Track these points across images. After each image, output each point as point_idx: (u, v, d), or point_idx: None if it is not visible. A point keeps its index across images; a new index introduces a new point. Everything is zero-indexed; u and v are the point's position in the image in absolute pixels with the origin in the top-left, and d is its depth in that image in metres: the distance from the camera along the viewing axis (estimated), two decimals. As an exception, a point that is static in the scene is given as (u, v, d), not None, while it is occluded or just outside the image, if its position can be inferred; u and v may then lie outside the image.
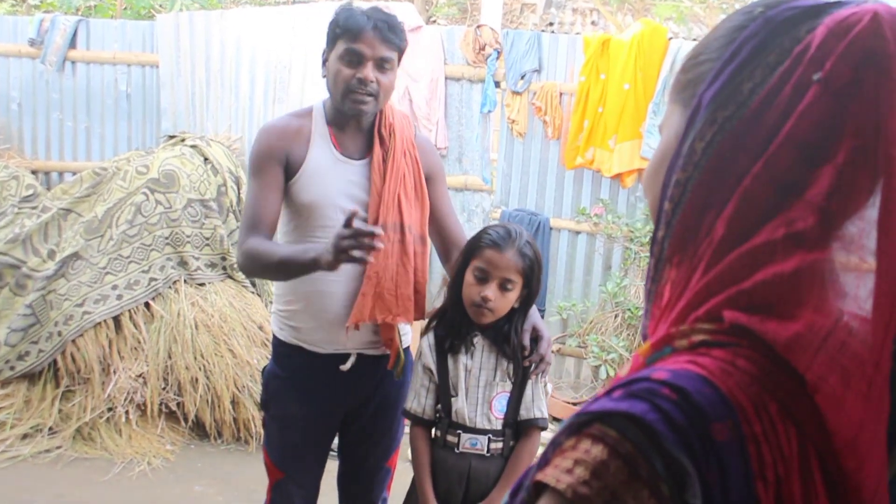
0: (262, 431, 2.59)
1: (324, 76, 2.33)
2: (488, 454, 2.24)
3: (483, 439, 2.24)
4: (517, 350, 2.24)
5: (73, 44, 5.58)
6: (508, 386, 2.26)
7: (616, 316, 5.12)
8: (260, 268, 2.27)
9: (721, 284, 0.70)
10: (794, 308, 0.67)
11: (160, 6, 7.33)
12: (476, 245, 2.22)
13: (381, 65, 2.24)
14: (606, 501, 0.63)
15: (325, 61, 2.32)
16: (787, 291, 0.67)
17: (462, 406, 2.23)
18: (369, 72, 2.22)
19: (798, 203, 0.68)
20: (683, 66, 0.81)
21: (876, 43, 0.67)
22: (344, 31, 2.22)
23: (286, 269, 2.20)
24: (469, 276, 2.22)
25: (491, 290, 2.17)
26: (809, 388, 0.65)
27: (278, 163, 2.30)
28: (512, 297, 2.21)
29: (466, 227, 4.96)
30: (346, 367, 2.37)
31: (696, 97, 0.75)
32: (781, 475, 0.64)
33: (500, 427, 2.25)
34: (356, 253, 1.92)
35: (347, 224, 1.92)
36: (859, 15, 0.68)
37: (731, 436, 0.64)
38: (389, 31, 2.23)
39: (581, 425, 0.67)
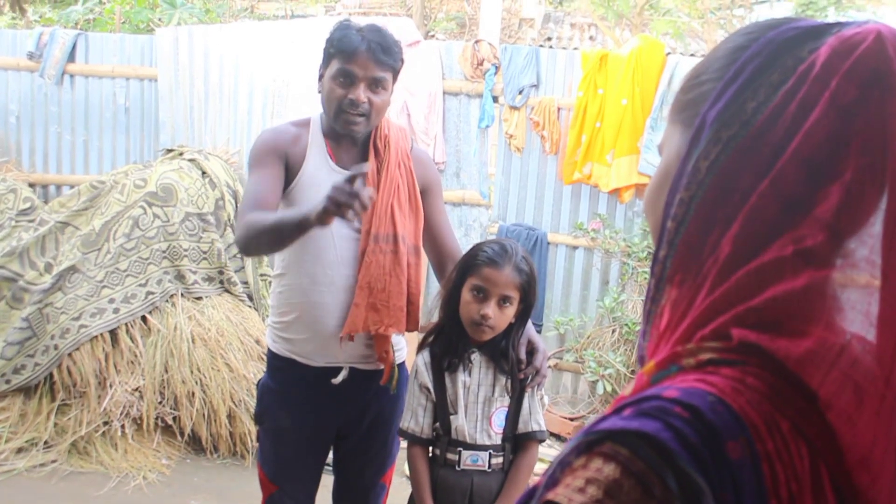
0: (257, 445, 2.58)
1: (319, 91, 2.34)
2: (489, 469, 2.23)
3: (484, 455, 2.23)
4: (514, 364, 2.23)
5: (71, 57, 5.60)
6: (507, 401, 2.25)
7: (613, 331, 5.12)
8: (255, 236, 2.16)
9: (728, 302, 0.69)
10: (804, 325, 0.67)
11: (159, 20, 7.35)
12: (472, 262, 2.21)
13: (374, 85, 2.25)
14: None
15: (320, 77, 2.34)
16: (798, 308, 0.67)
17: (462, 423, 2.23)
18: (361, 92, 2.23)
19: (806, 220, 0.68)
20: (683, 86, 0.82)
21: (880, 61, 0.68)
22: (338, 50, 2.23)
23: (279, 232, 2.10)
24: (466, 294, 2.21)
25: (490, 308, 2.16)
26: (822, 404, 0.65)
27: (279, 158, 2.31)
28: (510, 313, 2.21)
29: (464, 242, 4.97)
30: (338, 380, 2.37)
31: (698, 116, 0.76)
32: (794, 493, 0.64)
33: (499, 442, 2.25)
34: (349, 212, 1.86)
35: (350, 181, 1.85)
36: (863, 34, 0.69)
37: (745, 454, 0.63)
38: (383, 53, 2.23)
39: (591, 444, 0.66)
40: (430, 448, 2.31)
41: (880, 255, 0.67)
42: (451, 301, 2.26)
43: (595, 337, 5.18)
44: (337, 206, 1.85)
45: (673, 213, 0.75)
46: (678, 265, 0.75)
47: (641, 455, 0.63)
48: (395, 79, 2.32)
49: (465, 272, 2.23)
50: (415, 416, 2.28)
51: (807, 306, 0.67)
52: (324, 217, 1.90)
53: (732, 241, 0.70)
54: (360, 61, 2.21)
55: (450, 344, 2.26)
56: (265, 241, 2.14)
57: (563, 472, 0.67)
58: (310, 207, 1.95)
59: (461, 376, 2.24)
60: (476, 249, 2.24)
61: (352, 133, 2.29)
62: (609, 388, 4.91)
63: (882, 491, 0.66)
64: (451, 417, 2.24)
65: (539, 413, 2.30)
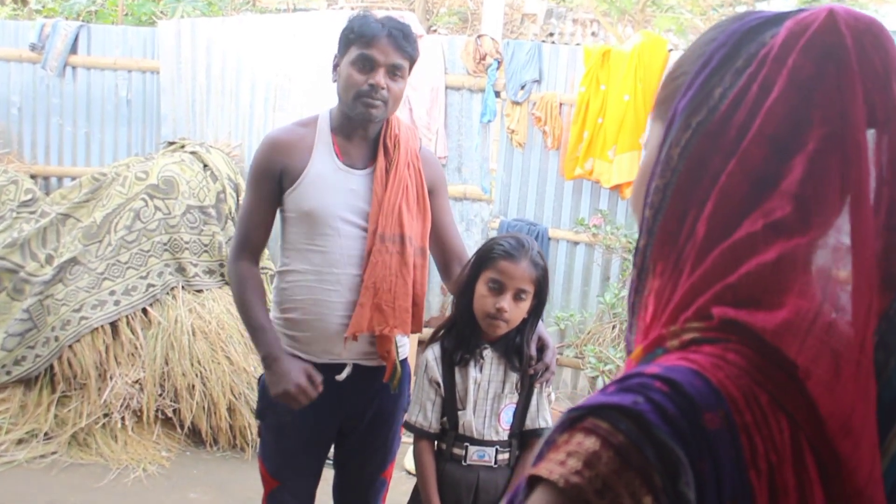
0: (258, 439, 2.59)
1: (334, 81, 2.34)
2: (496, 465, 2.24)
3: (490, 451, 2.24)
4: (526, 361, 2.23)
5: (74, 49, 5.59)
6: (516, 398, 2.26)
7: (614, 327, 5.12)
8: (236, 301, 2.43)
9: (707, 282, 0.71)
10: (779, 296, 0.69)
11: (162, 13, 7.34)
12: (488, 256, 2.21)
13: (393, 72, 2.26)
14: (598, 490, 0.63)
15: (335, 66, 2.33)
16: (772, 280, 0.69)
17: (470, 419, 2.23)
18: (381, 78, 2.23)
19: (774, 194, 0.70)
20: (662, 83, 0.85)
21: (833, 36, 0.70)
22: (358, 36, 2.23)
23: (249, 331, 2.40)
24: (482, 288, 2.20)
25: (506, 301, 2.16)
26: (801, 373, 0.66)
27: (273, 178, 2.34)
28: (525, 308, 2.21)
29: (465, 237, 4.97)
30: (342, 377, 2.37)
31: (671, 108, 0.78)
32: (774, 464, 0.65)
33: (506, 438, 2.25)
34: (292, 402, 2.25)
35: (311, 380, 2.25)
36: (816, 14, 0.72)
37: (723, 425, 0.65)
38: (403, 40, 2.25)
39: (574, 420, 0.68)
40: (436, 442, 2.31)
41: (848, 220, 0.69)
42: (464, 295, 2.25)
43: (595, 333, 5.18)
44: (285, 396, 2.24)
45: (650, 202, 0.78)
46: (658, 253, 0.77)
47: (621, 428, 0.65)
48: (410, 69, 2.33)
49: (480, 266, 2.22)
50: (423, 410, 2.28)
51: (780, 277, 0.69)
52: (270, 384, 2.28)
53: (707, 222, 0.72)
54: (380, 47, 2.22)
55: (462, 339, 2.25)
56: (238, 309, 2.44)
57: (549, 449, 0.69)
58: (273, 354, 2.28)
59: (472, 372, 2.24)
60: (492, 243, 2.24)
61: (370, 118, 2.28)
62: (609, 384, 4.90)
63: (864, 458, 0.68)
64: (460, 413, 2.24)
65: (546, 410, 2.31)
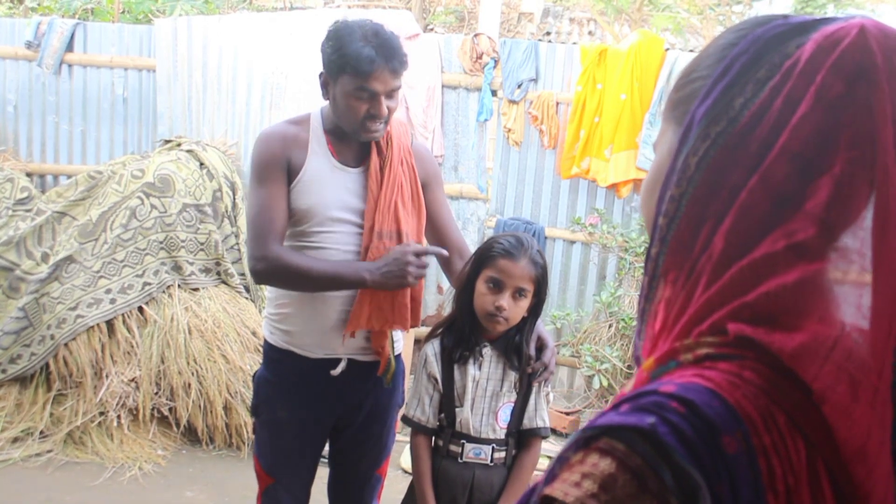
0: (253, 437, 2.58)
1: (325, 98, 2.31)
2: (492, 463, 2.24)
3: (487, 449, 2.24)
4: (525, 360, 2.24)
5: (70, 47, 5.58)
6: (514, 396, 2.26)
7: (610, 326, 5.12)
8: (294, 276, 2.25)
9: (723, 298, 0.70)
10: (798, 319, 0.67)
11: (159, 11, 7.32)
12: (487, 255, 2.22)
13: (391, 94, 2.25)
14: None
15: (324, 84, 2.29)
16: (791, 302, 0.68)
17: (467, 416, 2.23)
18: (383, 106, 2.22)
19: (797, 215, 0.68)
20: (676, 84, 0.82)
21: (864, 55, 0.68)
22: (353, 69, 2.17)
23: (331, 285, 2.27)
24: (481, 286, 2.21)
25: (505, 300, 2.17)
26: (816, 398, 0.65)
27: (282, 169, 2.30)
28: (524, 306, 2.22)
29: (461, 236, 4.96)
30: (337, 372, 2.37)
31: (688, 114, 0.76)
32: (791, 487, 0.64)
33: (503, 436, 2.25)
34: (411, 279, 2.23)
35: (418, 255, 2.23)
36: (847, 29, 0.70)
37: (742, 448, 0.63)
38: (398, 63, 2.21)
39: (588, 439, 0.67)
40: (433, 439, 2.32)
41: (871, 247, 0.68)
42: (464, 293, 2.26)
43: (592, 332, 5.18)
44: (402, 278, 2.23)
45: (664, 210, 0.76)
46: (670, 262, 0.75)
47: (637, 450, 0.63)
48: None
49: (480, 264, 2.23)
50: (421, 404, 2.29)
51: (800, 300, 0.67)
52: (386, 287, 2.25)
53: (725, 237, 0.71)
54: (378, 77, 2.18)
55: (462, 336, 2.26)
56: (303, 284, 2.29)
57: (562, 468, 0.67)
58: (369, 271, 2.22)
59: (471, 369, 2.24)
60: (492, 242, 2.25)
61: (373, 139, 2.30)
62: (605, 383, 4.92)
63: (878, 483, 0.67)
64: (457, 410, 2.25)
65: (544, 409, 2.31)
